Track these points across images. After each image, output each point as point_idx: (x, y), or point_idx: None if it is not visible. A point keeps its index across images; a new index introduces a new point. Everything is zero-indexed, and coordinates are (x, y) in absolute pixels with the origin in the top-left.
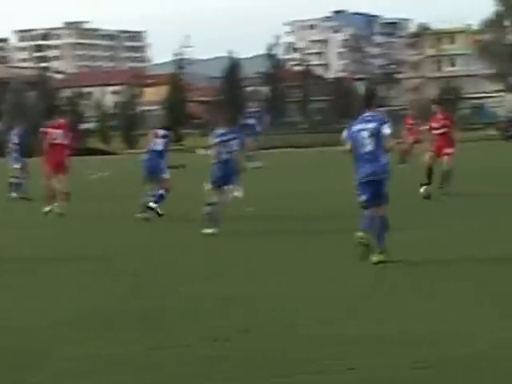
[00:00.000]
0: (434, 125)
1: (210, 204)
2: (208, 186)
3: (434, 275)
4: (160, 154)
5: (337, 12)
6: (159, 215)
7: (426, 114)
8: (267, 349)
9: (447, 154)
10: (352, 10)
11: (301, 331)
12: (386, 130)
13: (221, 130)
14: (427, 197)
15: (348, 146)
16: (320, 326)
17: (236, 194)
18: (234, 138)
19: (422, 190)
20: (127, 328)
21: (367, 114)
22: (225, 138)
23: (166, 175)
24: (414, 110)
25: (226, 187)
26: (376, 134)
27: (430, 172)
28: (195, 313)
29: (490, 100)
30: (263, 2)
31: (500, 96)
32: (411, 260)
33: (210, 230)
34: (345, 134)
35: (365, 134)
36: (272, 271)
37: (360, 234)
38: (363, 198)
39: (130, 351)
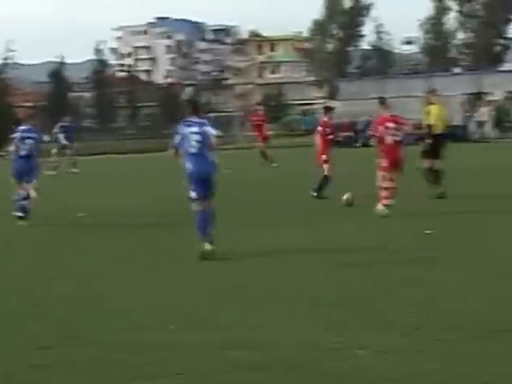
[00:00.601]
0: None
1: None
2: (12, 180)
3: (259, 277)
4: None
5: (161, 18)
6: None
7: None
8: (90, 356)
9: None
10: (178, 16)
11: (125, 337)
12: (211, 131)
13: (23, 127)
14: None
15: (178, 150)
16: (143, 332)
17: (32, 192)
18: (31, 138)
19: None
20: None
21: (193, 119)
22: (25, 135)
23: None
24: (257, 108)
25: (25, 183)
26: (203, 137)
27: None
28: (16, 320)
29: (316, 106)
30: (92, 7)
31: (325, 102)
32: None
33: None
34: (175, 138)
35: (193, 137)
36: (99, 274)
37: (206, 246)
38: (194, 194)
39: None
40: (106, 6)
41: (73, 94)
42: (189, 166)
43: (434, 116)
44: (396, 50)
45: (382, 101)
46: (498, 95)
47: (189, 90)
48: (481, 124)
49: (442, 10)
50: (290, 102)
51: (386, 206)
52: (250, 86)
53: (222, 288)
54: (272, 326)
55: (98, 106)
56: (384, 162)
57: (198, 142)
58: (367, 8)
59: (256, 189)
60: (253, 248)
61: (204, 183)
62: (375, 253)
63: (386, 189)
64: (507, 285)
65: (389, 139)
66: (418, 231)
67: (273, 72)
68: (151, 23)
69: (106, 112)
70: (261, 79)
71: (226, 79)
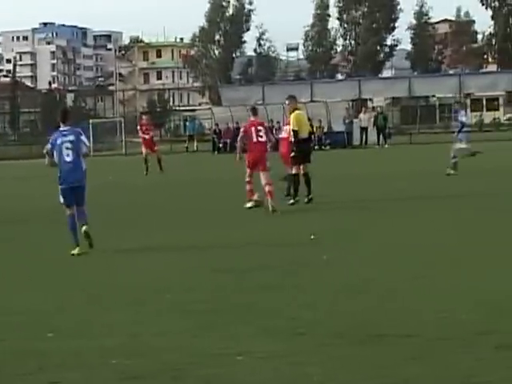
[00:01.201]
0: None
1: None
2: None
3: (140, 280)
4: None
5: (45, 24)
6: None
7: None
8: None
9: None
10: (60, 21)
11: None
12: (83, 140)
13: None
14: None
15: (51, 158)
16: (16, 340)
17: None
18: None
19: None
20: None
21: (64, 128)
22: None
23: None
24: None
25: None
26: (75, 145)
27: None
28: None
29: (200, 112)
30: None
31: (209, 109)
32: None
33: None
34: (48, 146)
35: (66, 145)
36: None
37: (77, 250)
38: (66, 200)
39: None
40: None
41: None
42: (60, 172)
43: (298, 122)
44: (280, 57)
45: (254, 111)
46: (379, 101)
47: (72, 96)
48: (363, 130)
49: (323, 16)
50: (175, 108)
51: (250, 200)
52: (132, 91)
53: (101, 290)
54: (152, 332)
55: None
56: (247, 159)
57: (70, 149)
58: (248, 15)
59: (139, 194)
60: (136, 249)
61: (75, 190)
62: (259, 256)
63: (249, 183)
64: (388, 287)
65: (254, 139)
66: (302, 236)
67: (158, 78)
68: (35, 29)
69: None
70: (146, 85)
71: (110, 85)
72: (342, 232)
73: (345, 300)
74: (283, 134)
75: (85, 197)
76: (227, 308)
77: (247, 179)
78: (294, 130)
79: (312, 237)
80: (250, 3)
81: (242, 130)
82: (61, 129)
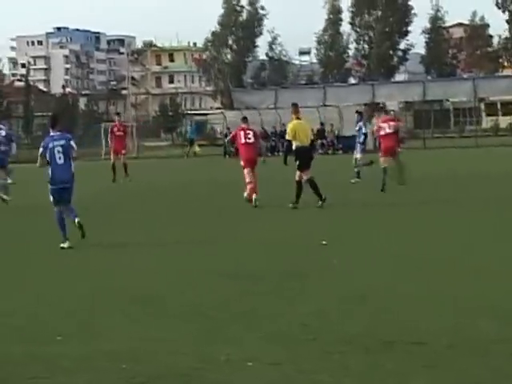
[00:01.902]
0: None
1: None
2: None
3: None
4: None
5: (59, 28)
6: None
7: (148, 129)
8: None
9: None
10: (74, 26)
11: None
12: (72, 145)
13: None
14: None
15: (43, 161)
16: (25, 344)
17: None
18: None
19: None
20: None
21: (55, 133)
22: None
23: None
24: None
25: None
26: (66, 149)
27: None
28: None
29: (212, 116)
30: None
31: (221, 113)
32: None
33: None
34: (41, 150)
35: (57, 149)
36: None
37: (66, 244)
38: (55, 199)
39: None
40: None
41: None
42: (51, 174)
43: (293, 131)
44: (293, 61)
45: (244, 120)
46: (391, 106)
47: (86, 100)
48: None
49: (335, 21)
50: (187, 112)
51: (250, 197)
52: (145, 95)
53: (107, 293)
54: (160, 337)
55: None
56: (242, 161)
57: (61, 153)
58: (261, 19)
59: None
60: (144, 250)
61: (64, 190)
62: (267, 263)
63: (249, 183)
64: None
65: (242, 140)
66: (312, 242)
67: (170, 82)
68: (49, 33)
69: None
70: (159, 89)
71: (122, 89)
72: (352, 237)
73: (353, 306)
74: (382, 132)
75: (72, 195)
76: (234, 313)
77: (247, 180)
78: (288, 140)
79: (323, 242)
80: (263, 8)
81: (231, 133)
82: (51, 134)
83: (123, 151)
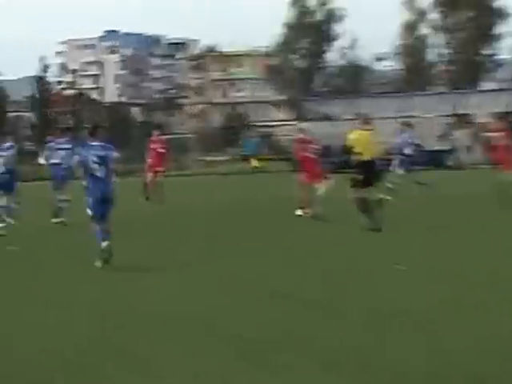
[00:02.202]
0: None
1: None
2: None
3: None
4: None
5: (109, 32)
6: None
7: (210, 142)
8: None
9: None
10: (127, 29)
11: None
12: (114, 154)
13: None
14: None
15: (80, 169)
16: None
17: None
18: None
19: None
20: None
21: (94, 142)
22: None
23: None
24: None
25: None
26: (106, 160)
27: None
28: None
29: (279, 129)
30: (34, 22)
31: (293, 125)
32: None
33: None
34: (76, 159)
35: (96, 159)
36: None
37: (105, 243)
38: (96, 213)
39: None
40: (50, 19)
41: (10, 114)
42: (90, 186)
43: (360, 143)
44: (373, 67)
45: (302, 130)
46: (481, 116)
47: (141, 110)
48: (468, 148)
49: (416, 25)
50: (253, 124)
51: (304, 212)
52: (205, 105)
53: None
54: (213, 372)
55: (39, 126)
56: (303, 174)
57: (99, 164)
58: (339, 20)
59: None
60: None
61: (103, 203)
62: (322, 282)
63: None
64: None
65: (306, 154)
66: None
67: (234, 90)
68: (101, 37)
69: (47, 133)
70: (222, 98)
71: (182, 97)
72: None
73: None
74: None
75: (111, 210)
76: (284, 337)
77: (303, 192)
78: (346, 146)
79: (399, 267)
80: (339, 10)
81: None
82: (91, 143)
83: (161, 168)
